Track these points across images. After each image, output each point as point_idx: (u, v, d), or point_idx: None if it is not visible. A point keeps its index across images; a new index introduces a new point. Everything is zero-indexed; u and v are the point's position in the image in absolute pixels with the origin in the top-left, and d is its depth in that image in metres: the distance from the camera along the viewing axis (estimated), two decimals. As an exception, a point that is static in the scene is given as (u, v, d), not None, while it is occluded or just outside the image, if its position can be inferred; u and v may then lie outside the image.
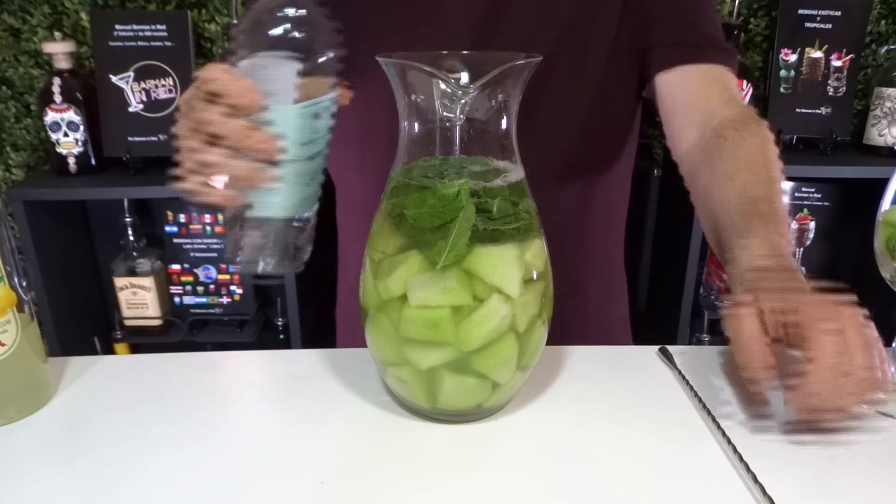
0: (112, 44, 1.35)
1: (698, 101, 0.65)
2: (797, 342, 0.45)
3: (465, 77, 0.47)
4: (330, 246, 0.83)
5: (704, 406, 0.52)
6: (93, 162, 1.37)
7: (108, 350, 1.51)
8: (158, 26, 1.35)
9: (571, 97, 0.66)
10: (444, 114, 0.47)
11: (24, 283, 0.51)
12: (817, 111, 1.45)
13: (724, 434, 0.48)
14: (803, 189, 1.52)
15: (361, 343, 0.52)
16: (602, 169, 0.72)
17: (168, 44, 1.36)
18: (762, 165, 0.57)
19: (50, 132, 1.33)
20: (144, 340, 1.52)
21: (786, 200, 0.56)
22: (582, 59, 0.65)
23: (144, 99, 1.37)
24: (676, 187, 1.37)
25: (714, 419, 0.50)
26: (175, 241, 1.49)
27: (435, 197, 0.44)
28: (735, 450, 0.46)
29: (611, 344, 0.81)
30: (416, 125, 0.48)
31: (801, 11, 1.41)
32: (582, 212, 0.72)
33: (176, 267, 1.51)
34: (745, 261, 0.52)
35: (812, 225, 1.53)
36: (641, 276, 1.59)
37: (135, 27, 1.34)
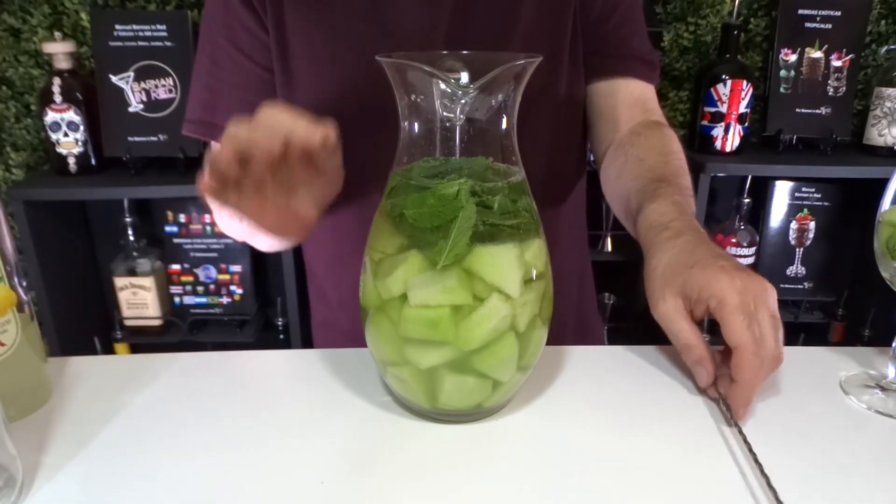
0: (112, 44, 1.35)
1: (620, 112, 0.73)
2: (718, 318, 0.51)
3: (465, 77, 0.47)
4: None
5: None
6: (93, 162, 1.37)
7: (108, 350, 1.51)
8: (158, 26, 1.35)
9: (547, 99, 0.71)
10: (444, 114, 0.47)
11: (24, 283, 0.51)
12: (817, 111, 1.45)
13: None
14: (803, 189, 1.52)
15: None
16: (573, 165, 0.78)
17: (168, 44, 1.36)
18: (669, 152, 0.68)
19: (50, 132, 1.33)
20: (144, 340, 1.52)
21: (688, 181, 0.66)
22: (552, 63, 0.69)
23: (144, 99, 1.37)
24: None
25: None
26: (175, 241, 1.50)
27: (435, 197, 0.44)
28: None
29: (589, 326, 0.84)
30: (416, 125, 0.48)
31: (801, 11, 1.41)
32: (559, 207, 0.77)
33: (176, 267, 1.51)
34: (651, 212, 0.60)
35: (812, 225, 1.53)
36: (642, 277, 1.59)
37: (135, 27, 1.34)
